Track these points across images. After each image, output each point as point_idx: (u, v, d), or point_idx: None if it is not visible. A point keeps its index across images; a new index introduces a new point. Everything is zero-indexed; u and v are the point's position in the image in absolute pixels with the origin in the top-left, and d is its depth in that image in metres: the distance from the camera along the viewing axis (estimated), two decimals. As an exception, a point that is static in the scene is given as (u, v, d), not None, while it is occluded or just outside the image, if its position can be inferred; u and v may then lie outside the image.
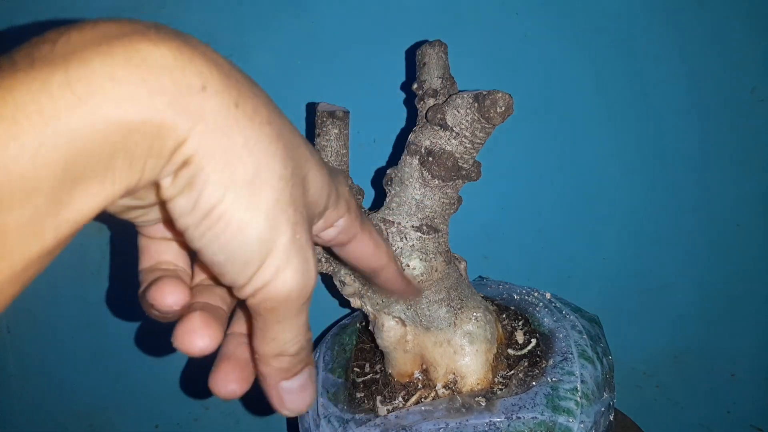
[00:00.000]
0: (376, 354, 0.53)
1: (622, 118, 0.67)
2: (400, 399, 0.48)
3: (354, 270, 0.44)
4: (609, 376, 0.49)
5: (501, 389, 0.46)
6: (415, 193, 0.44)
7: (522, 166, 0.69)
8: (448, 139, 0.42)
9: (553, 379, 0.45)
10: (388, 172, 0.47)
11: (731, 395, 0.78)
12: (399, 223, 0.45)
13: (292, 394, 0.26)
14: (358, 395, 0.51)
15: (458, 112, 0.41)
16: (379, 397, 0.49)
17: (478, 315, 0.48)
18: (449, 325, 0.47)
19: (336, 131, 0.47)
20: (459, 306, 0.47)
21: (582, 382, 0.45)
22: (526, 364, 0.48)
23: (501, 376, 0.47)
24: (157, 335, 0.72)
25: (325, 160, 0.46)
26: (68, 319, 0.71)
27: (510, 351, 0.49)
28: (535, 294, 0.55)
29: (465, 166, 0.43)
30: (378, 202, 0.56)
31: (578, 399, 0.44)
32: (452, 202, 0.45)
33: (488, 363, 0.47)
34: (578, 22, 0.63)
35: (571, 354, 0.47)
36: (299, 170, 0.23)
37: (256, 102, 0.22)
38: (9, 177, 0.17)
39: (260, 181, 0.21)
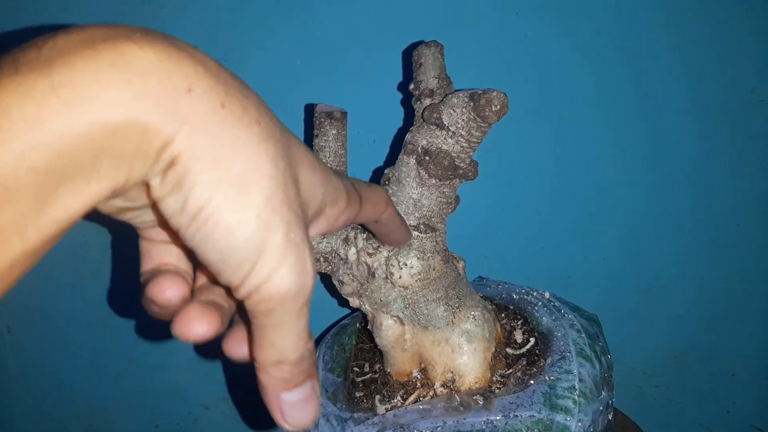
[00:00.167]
0: (376, 354, 0.53)
1: (622, 118, 0.67)
2: (399, 398, 0.48)
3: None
4: (607, 375, 0.49)
5: (499, 388, 0.46)
6: (412, 192, 0.44)
7: (522, 166, 0.69)
8: (445, 139, 0.42)
9: (551, 378, 0.45)
10: (385, 171, 0.47)
11: (731, 395, 0.78)
12: (397, 223, 0.45)
13: (294, 407, 0.25)
14: (357, 394, 0.51)
15: (454, 112, 0.41)
16: (377, 396, 0.49)
17: (476, 314, 0.48)
18: (447, 323, 0.47)
19: (334, 132, 0.47)
20: (457, 305, 0.47)
21: (580, 380, 0.45)
22: (524, 363, 0.48)
23: (499, 375, 0.47)
24: (157, 335, 0.72)
25: (324, 160, 0.46)
26: (68, 319, 0.71)
27: (509, 350, 0.49)
28: (534, 293, 0.55)
29: (462, 165, 0.43)
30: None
31: (576, 397, 0.44)
32: (449, 201, 0.45)
33: (486, 362, 0.47)
34: (578, 22, 0.63)
35: (569, 353, 0.47)
36: (291, 169, 0.23)
37: (245, 102, 0.22)
38: None
39: (249, 181, 0.21)
